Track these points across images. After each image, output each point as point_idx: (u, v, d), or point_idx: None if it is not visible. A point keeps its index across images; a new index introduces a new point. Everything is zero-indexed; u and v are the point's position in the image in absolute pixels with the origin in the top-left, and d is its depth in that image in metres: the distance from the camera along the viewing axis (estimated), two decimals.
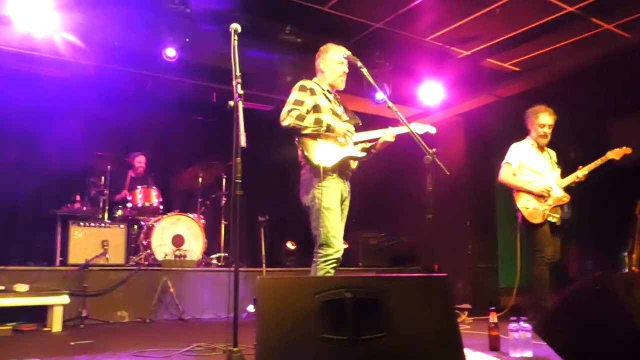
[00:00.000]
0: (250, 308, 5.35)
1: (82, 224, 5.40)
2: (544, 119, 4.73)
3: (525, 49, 6.28)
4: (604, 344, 2.18)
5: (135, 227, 6.31)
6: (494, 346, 3.36)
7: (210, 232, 6.77)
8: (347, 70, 3.74)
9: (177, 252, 5.86)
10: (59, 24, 5.05)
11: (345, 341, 2.00)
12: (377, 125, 3.77)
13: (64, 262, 5.33)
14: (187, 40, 5.44)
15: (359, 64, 3.61)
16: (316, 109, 3.55)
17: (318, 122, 3.46)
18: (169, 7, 5.31)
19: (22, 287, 4.54)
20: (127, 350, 3.37)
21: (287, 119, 3.43)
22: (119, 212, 6.35)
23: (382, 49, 6.38)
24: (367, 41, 6.13)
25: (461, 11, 5.58)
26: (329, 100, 3.66)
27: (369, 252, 7.17)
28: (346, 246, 3.63)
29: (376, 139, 3.70)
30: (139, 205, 6.28)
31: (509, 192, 4.86)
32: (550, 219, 4.57)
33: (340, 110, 3.73)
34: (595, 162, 4.61)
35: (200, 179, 6.76)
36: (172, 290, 5.25)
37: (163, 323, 5.08)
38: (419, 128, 3.72)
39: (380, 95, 6.16)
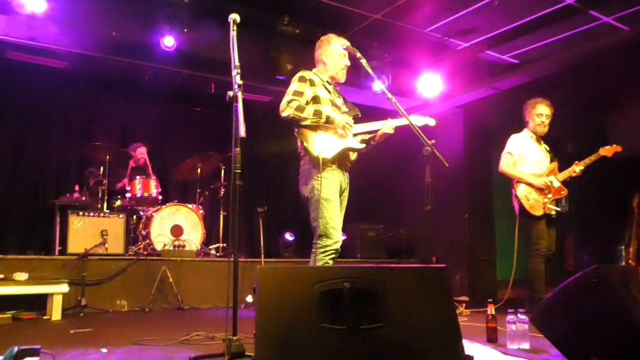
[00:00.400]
0: (249, 299, 5.38)
1: (81, 213, 5.41)
2: (540, 108, 4.82)
3: (524, 42, 6.27)
4: (601, 337, 2.20)
5: (134, 217, 6.32)
6: (491, 338, 3.39)
7: (209, 223, 6.79)
8: (349, 63, 3.74)
9: (176, 242, 5.87)
10: (57, 13, 5.02)
11: (343, 331, 2.02)
12: (376, 117, 3.77)
13: (63, 252, 5.34)
14: (185, 30, 5.43)
15: (358, 55, 3.62)
16: (315, 100, 3.55)
17: (317, 113, 3.46)
18: None
19: (21, 276, 4.55)
20: (127, 339, 3.39)
21: (286, 110, 3.43)
22: (118, 202, 6.35)
23: (381, 40, 6.37)
24: (365, 32, 6.12)
25: (460, 3, 5.57)
26: (329, 92, 3.66)
27: (367, 243, 7.19)
28: (344, 238, 3.64)
29: (375, 131, 3.70)
30: (138, 195, 6.29)
31: (507, 185, 4.89)
32: (549, 211, 4.62)
33: (339, 101, 3.73)
34: (590, 157, 4.68)
35: (199, 170, 6.77)
36: (170, 279, 5.28)
37: (162, 312, 5.10)
38: (418, 120, 3.73)
39: (379, 87, 6.17)
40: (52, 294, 4.51)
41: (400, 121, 3.63)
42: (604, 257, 5.88)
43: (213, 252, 6.45)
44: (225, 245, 6.57)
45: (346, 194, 3.66)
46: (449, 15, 5.81)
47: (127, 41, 5.55)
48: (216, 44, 5.47)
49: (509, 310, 3.23)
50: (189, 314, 5.06)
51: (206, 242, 6.44)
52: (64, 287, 4.57)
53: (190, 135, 8.07)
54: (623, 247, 5.01)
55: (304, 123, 3.46)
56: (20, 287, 4.44)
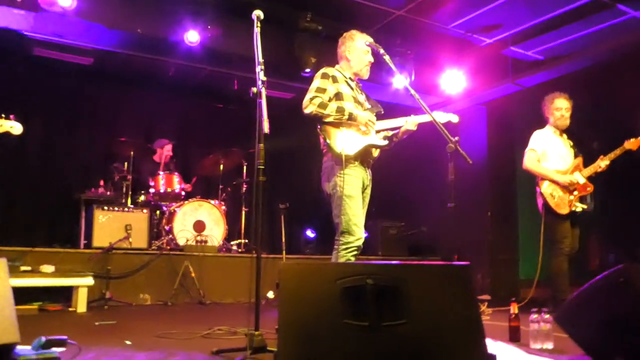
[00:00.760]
0: (270, 294, 5.40)
1: (106, 208, 5.50)
2: (559, 102, 4.76)
3: (549, 38, 6.18)
4: (627, 337, 2.16)
5: (158, 212, 6.40)
6: (514, 337, 3.35)
7: (231, 219, 6.84)
8: (372, 60, 3.73)
9: (199, 238, 5.93)
10: (83, 10, 5.11)
11: (366, 327, 2.02)
12: (398, 113, 3.75)
13: (88, 245, 5.44)
14: (209, 27, 5.47)
15: (382, 51, 3.60)
16: (338, 96, 3.55)
17: (340, 110, 3.46)
18: None
19: (48, 268, 4.65)
20: (150, 332, 3.44)
21: (309, 107, 3.44)
22: (142, 197, 6.44)
23: (404, 37, 6.34)
24: (388, 29, 6.09)
25: None
26: (351, 88, 3.65)
27: (388, 241, 7.17)
28: (367, 235, 3.64)
29: (398, 128, 3.68)
30: (162, 190, 6.36)
31: (530, 183, 4.82)
32: (575, 209, 4.54)
33: (362, 98, 3.72)
34: (615, 151, 4.59)
35: (221, 166, 6.82)
36: (193, 274, 5.33)
37: (184, 307, 5.16)
38: (442, 116, 3.70)
39: (402, 83, 6.13)
40: (78, 287, 4.59)
41: (423, 118, 3.61)
42: (630, 257, 5.76)
43: (235, 247, 6.50)
44: (247, 241, 6.61)
45: (368, 190, 3.66)
46: (472, 11, 5.76)
47: (152, 37, 5.62)
48: (240, 40, 5.51)
49: (533, 310, 3.20)
50: (211, 308, 5.10)
51: (228, 238, 6.48)
52: (89, 280, 4.65)
53: (213, 132, 8.14)
54: None
55: (327, 120, 3.46)
56: (46, 279, 4.54)
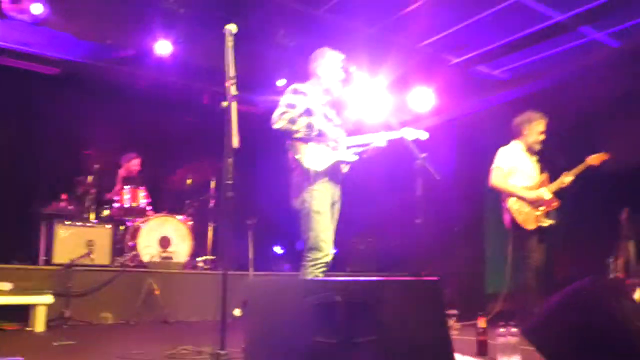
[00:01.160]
0: (236, 312, 5.30)
1: (67, 223, 5.35)
2: (542, 126, 4.80)
3: (514, 58, 6.34)
4: (595, 349, 2.18)
5: (122, 227, 6.25)
6: (482, 351, 3.36)
7: (198, 235, 6.72)
8: (343, 77, 3.74)
9: (164, 254, 5.80)
10: (50, 19, 5.00)
11: (335, 344, 1.99)
12: (367, 130, 3.77)
13: (48, 262, 5.26)
14: (181, 40, 5.42)
15: (353, 68, 3.62)
16: (308, 112, 3.54)
17: (309, 126, 3.45)
18: (163, 6, 5.28)
19: (5, 286, 4.47)
20: (111, 352, 3.32)
21: (278, 122, 3.42)
22: (106, 212, 6.28)
23: (375, 53, 6.39)
24: (360, 46, 6.13)
25: (453, 18, 5.61)
26: (321, 104, 3.65)
27: (357, 257, 7.15)
28: (335, 251, 3.62)
29: (368, 144, 3.69)
30: (126, 205, 6.21)
31: (498, 198, 4.88)
32: (542, 224, 4.61)
33: (332, 114, 3.73)
34: (578, 167, 4.69)
35: (189, 181, 6.71)
36: (157, 292, 5.19)
37: (147, 326, 5.02)
38: (410, 133, 3.72)
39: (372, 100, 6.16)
40: (36, 305, 4.42)
41: (393, 134, 3.63)
42: (594, 270, 5.89)
43: (201, 264, 6.38)
44: (213, 257, 6.50)
45: (338, 206, 3.64)
46: (441, 30, 5.86)
47: (122, 49, 5.53)
48: (211, 54, 5.46)
49: (500, 324, 3.21)
50: (176, 327, 4.98)
51: (194, 254, 6.36)
52: (48, 298, 4.49)
53: (182, 146, 8.01)
54: (612, 260, 5.02)
55: (296, 135, 3.44)
56: (3, 297, 4.35)
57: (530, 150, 4.87)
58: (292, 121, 3.41)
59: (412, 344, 2.05)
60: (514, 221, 4.66)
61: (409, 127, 3.81)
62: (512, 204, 4.68)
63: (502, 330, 3.17)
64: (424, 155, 3.44)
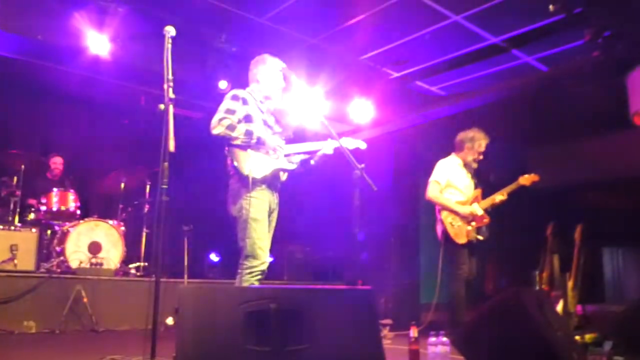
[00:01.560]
0: (169, 321, 5.17)
1: None
2: (484, 146, 4.96)
3: (451, 75, 6.56)
4: (518, 356, 2.27)
5: (49, 232, 5.96)
6: None
7: (131, 240, 6.51)
8: (283, 85, 3.74)
9: (94, 260, 5.57)
10: None
11: (269, 352, 1.98)
12: (305, 138, 3.79)
13: None
14: (118, 39, 5.27)
15: (293, 77, 3.64)
16: (248, 118, 3.52)
17: (248, 134, 3.43)
18: (99, 5, 5.12)
19: None
20: None
21: (217, 128, 3.38)
22: (32, 216, 5.97)
23: (317, 64, 6.45)
24: (301, 55, 6.17)
25: (394, 34, 5.75)
26: (261, 111, 3.64)
27: (294, 265, 7.15)
28: (271, 259, 3.61)
29: (313, 152, 3.71)
30: (54, 209, 5.93)
31: (432, 211, 5.01)
32: (472, 238, 4.77)
33: (272, 121, 3.72)
34: (510, 186, 4.89)
35: (122, 184, 6.50)
36: (85, 299, 4.98)
37: (74, 335, 4.79)
38: (350, 143, 3.77)
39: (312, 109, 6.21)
40: None
41: (335, 143, 3.66)
42: (520, 282, 6.16)
43: (133, 271, 6.18)
44: (146, 264, 6.31)
45: (275, 214, 3.64)
46: (383, 44, 5.99)
47: (54, 45, 5.30)
48: (149, 55, 5.34)
49: (431, 333, 3.29)
50: (104, 336, 4.79)
51: (126, 261, 6.15)
52: None
53: (117, 148, 7.75)
54: (537, 273, 5.26)
55: (235, 142, 3.42)
56: None
57: (467, 166, 5.03)
58: (231, 128, 3.38)
59: (345, 352, 2.07)
60: (446, 234, 4.79)
61: (349, 137, 3.86)
62: (445, 217, 4.82)
63: (433, 339, 3.24)
64: (362, 166, 3.49)
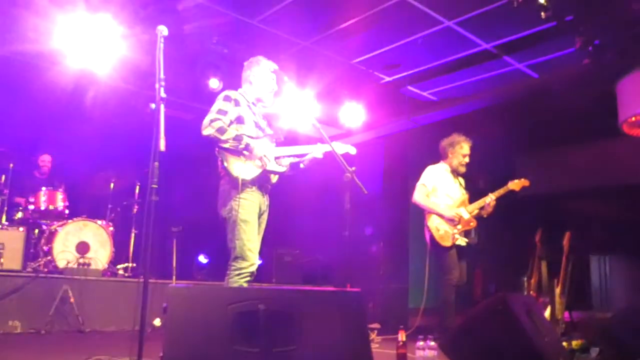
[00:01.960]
0: (157, 322, 5.14)
1: None
2: (466, 149, 5.00)
3: (442, 80, 6.59)
4: None
5: (37, 231, 5.90)
6: None
7: (119, 241, 6.47)
8: (276, 88, 3.74)
9: (81, 260, 5.53)
10: None
11: (257, 353, 1.97)
12: (296, 141, 3.79)
13: None
14: (111, 39, 5.23)
15: (286, 79, 3.64)
16: (239, 120, 3.52)
17: (237, 138, 3.41)
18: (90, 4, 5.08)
19: None
20: None
21: (207, 129, 3.37)
22: (19, 214, 5.92)
23: (308, 67, 6.46)
24: (293, 58, 6.18)
25: (386, 38, 5.77)
26: (253, 113, 3.64)
27: (283, 268, 7.13)
28: (260, 262, 3.60)
29: (302, 155, 3.71)
30: (42, 208, 5.89)
31: (421, 215, 5.04)
32: (458, 242, 4.78)
33: (263, 123, 3.72)
34: (499, 190, 4.92)
35: (112, 184, 6.46)
36: (72, 300, 4.93)
37: (60, 335, 4.74)
38: (340, 147, 3.78)
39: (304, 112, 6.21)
40: None
41: (325, 146, 3.67)
42: (508, 288, 6.19)
43: (121, 272, 6.14)
44: (134, 265, 6.27)
45: (265, 216, 3.63)
46: (375, 48, 6.00)
47: (43, 44, 5.26)
48: (141, 55, 5.32)
49: (419, 337, 3.30)
50: (91, 336, 4.75)
51: (114, 261, 6.11)
52: None
53: (107, 148, 7.69)
54: (525, 279, 5.29)
55: (224, 145, 3.41)
56: None
57: (455, 172, 5.06)
58: (221, 131, 3.37)
59: (333, 354, 2.07)
60: (432, 238, 4.82)
61: (339, 141, 3.87)
62: (431, 223, 4.84)
63: (421, 343, 3.25)
64: (352, 169, 3.49)
